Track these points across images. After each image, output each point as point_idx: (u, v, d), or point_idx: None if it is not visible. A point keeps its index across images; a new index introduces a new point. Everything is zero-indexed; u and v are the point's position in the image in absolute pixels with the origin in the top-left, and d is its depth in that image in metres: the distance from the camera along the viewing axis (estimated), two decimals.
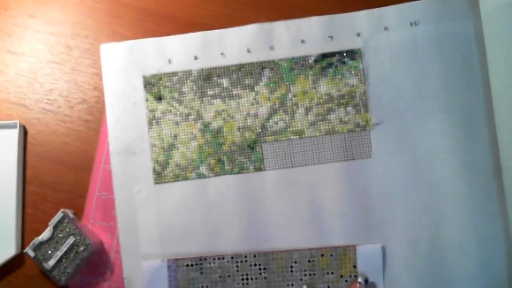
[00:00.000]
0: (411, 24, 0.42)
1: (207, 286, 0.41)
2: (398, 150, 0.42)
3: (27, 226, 0.43)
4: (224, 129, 0.43)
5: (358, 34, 0.43)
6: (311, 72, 0.43)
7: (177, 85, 0.43)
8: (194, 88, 0.43)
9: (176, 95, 0.43)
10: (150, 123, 0.43)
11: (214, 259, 0.41)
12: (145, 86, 0.43)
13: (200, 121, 0.43)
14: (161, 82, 0.43)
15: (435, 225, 0.41)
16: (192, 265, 0.41)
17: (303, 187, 0.42)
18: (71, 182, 0.43)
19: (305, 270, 0.41)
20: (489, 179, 0.41)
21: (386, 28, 0.42)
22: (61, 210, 0.41)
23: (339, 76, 0.43)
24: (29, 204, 0.43)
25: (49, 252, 0.40)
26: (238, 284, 0.41)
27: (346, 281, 0.41)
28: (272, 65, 0.43)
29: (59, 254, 0.40)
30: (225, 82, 0.43)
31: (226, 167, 0.42)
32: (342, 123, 0.42)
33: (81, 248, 0.40)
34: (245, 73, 0.43)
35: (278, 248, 0.41)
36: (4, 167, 0.42)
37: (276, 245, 0.41)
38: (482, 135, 0.41)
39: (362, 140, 0.42)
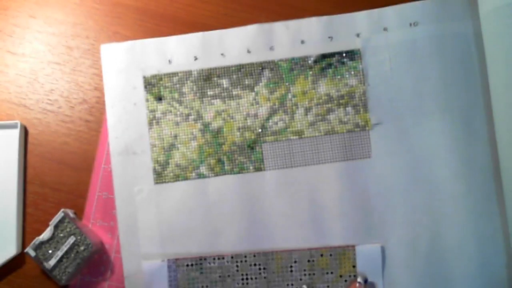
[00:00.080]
0: (410, 24, 0.42)
1: (207, 286, 0.41)
2: (398, 150, 0.42)
3: (28, 226, 0.43)
4: (224, 129, 0.43)
5: (358, 35, 0.43)
6: (311, 72, 0.43)
7: (177, 86, 0.43)
8: (194, 89, 0.43)
9: (176, 95, 0.43)
10: (150, 123, 0.43)
11: (214, 259, 0.42)
12: (145, 87, 0.43)
13: (200, 121, 0.43)
14: (161, 82, 0.43)
15: (435, 225, 0.41)
16: (192, 265, 0.41)
17: (302, 187, 0.42)
18: (72, 182, 0.43)
19: (304, 270, 0.41)
20: (488, 179, 0.41)
21: (385, 29, 0.43)
22: (62, 210, 0.41)
23: (339, 77, 0.43)
24: (29, 204, 0.43)
25: (50, 251, 0.40)
26: (238, 284, 0.41)
27: (346, 281, 0.41)
28: (272, 65, 0.43)
29: (59, 253, 0.40)
30: (225, 82, 0.43)
31: (226, 167, 0.42)
32: (342, 123, 0.42)
33: (82, 248, 0.40)
34: (245, 74, 0.43)
35: (278, 248, 0.42)
36: (5, 167, 0.42)
37: (275, 245, 0.42)
38: (481, 135, 0.41)
39: (361, 140, 0.42)
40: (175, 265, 0.41)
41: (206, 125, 0.43)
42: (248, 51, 0.43)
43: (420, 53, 0.42)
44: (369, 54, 0.42)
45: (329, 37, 0.43)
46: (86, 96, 0.44)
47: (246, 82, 0.43)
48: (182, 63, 0.43)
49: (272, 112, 0.43)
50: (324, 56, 0.43)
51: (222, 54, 0.43)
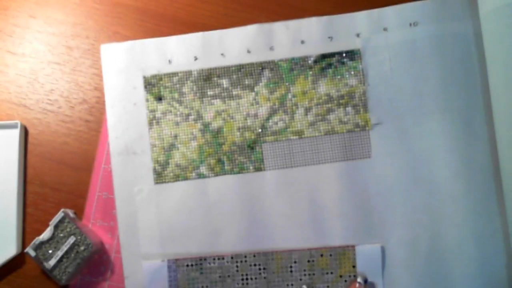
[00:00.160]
0: (410, 24, 0.42)
1: (207, 286, 0.41)
2: (398, 150, 0.42)
3: (28, 226, 0.43)
4: (224, 129, 0.43)
5: (358, 35, 0.43)
6: (311, 72, 0.43)
7: (177, 86, 0.43)
8: (194, 89, 0.43)
9: (176, 95, 0.43)
10: (150, 123, 0.43)
11: (214, 259, 0.42)
12: (145, 87, 0.43)
13: (200, 121, 0.43)
14: (161, 82, 0.43)
15: (435, 225, 0.41)
16: (192, 265, 0.41)
17: (302, 187, 0.42)
18: (72, 182, 0.43)
19: (304, 270, 0.41)
20: (488, 179, 0.41)
21: (385, 29, 0.43)
22: (62, 210, 0.41)
23: (339, 77, 0.43)
24: (29, 204, 0.43)
25: (50, 251, 0.40)
26: (238, 284, 0.41)
27: (346, 281, 0.41)
28: (272, 65, 0.43)
29: (59, 253, 0.40)
30: (225, 82, 0.43)
31: (226, 167, 0.42)
32: (342, 123, 0.42)
33: (82, 248, 0.40)
34: (245, 74, 0.43)
35: (278, 248, 0.42)
36: (5, 167, 0.42)
37: (275, 245, 0.42)
38: (481, 135, 0.41)
39: (361, 140, 0.42)
40: (175, 265, 0.41)
41: (206, 125, 0.43)
42: (248, 51, 0.43)
43: (420, 53, 0.42)
44: (369, 54, 0.42)
45: (329, 37, 0.43)
46: (86, 96, 0.44)
47: (246, 82, 0.43)
48: (182, 63, 0.43)
49: (272, 112, 0.43)
50: (324, 56, 0.43)
51: (222, 54, 0.43)
